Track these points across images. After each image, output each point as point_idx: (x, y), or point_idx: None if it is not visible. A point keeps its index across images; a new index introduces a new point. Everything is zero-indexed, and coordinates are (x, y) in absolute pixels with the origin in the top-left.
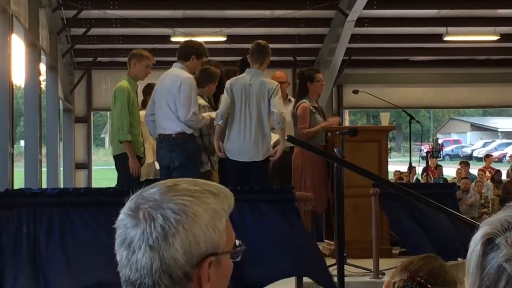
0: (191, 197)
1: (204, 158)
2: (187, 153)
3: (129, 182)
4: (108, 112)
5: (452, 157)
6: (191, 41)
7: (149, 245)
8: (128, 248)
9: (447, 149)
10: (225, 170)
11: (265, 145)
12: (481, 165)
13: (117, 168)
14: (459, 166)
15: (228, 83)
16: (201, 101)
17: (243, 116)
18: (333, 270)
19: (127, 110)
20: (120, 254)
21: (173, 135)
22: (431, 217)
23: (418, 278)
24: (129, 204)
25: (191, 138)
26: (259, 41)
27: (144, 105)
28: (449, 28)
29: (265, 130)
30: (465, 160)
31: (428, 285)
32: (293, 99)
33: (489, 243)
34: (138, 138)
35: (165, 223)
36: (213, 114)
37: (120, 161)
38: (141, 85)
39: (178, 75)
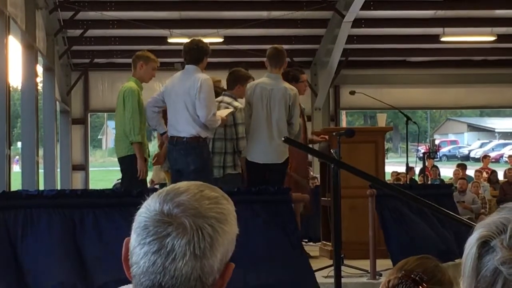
0: (222, 204)
1: (230, 162)
2: (202, 158)
3: (135, 183)
4: (106, 114)
5: (449, 157)
6: (194, 43)
7: (195, 255)
8: (166, 256)
9: (444, 150)
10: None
11: (284, 148)
12: (478, 165)
13: (122, 170)
14: (456, 168)
15: (247, 88)
16: (237, 104)
17: (263, 119)
18: (330, 271)
19: (138, 112)
20: (151, 260)
21: (187, 139)
22: (422, 220)
23: (412, 276)
24: (157, 209)
25: (205, 142)
26: (276, 46)
27: None
28: (446, 29)
29: (284, 133)
30: (462, 163)
31: (424, 283)
32: None
33: (484, 246)
34: (145, 140)
35: (213, 233)
36: (223, 113)
37: (127, 163)
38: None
39: (196, 76)
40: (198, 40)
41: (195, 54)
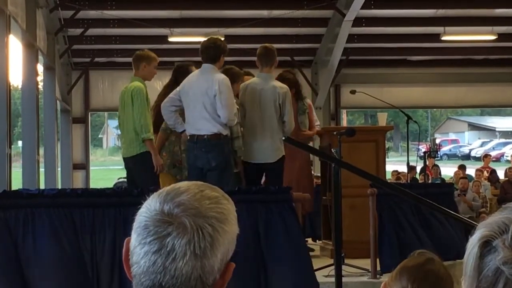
0: (222, 204)
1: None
2: (223, 154)
3: (154, 179)
4: (106, 113)
5: (450, 156)
6: (212, 41)
7: (195, 254)
8: (166, 255)
9: (445, 149)
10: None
11: (278, 147)
12: (479, 164)
13: (136, 168)
14: (457, 169)
15: (240, 89)
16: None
17: (255, 119)
18: (331, 271)
19: (147, 110)
20: (151, 259)
21: (207, 136)
22: (422, 220)
23: None
24: (157, 209)
25: (226, 139)
26: (266, 44)
27: None
28: (447, 28)
29: (276, 132)
30: (462, 164)
31: None
32: None
33: (486, 246)
34: (153, 137)
35: (213, 232)
36: None
37: (142, 160)
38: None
39: (214, 76)
40: (216, 38)
41: (212, 53)
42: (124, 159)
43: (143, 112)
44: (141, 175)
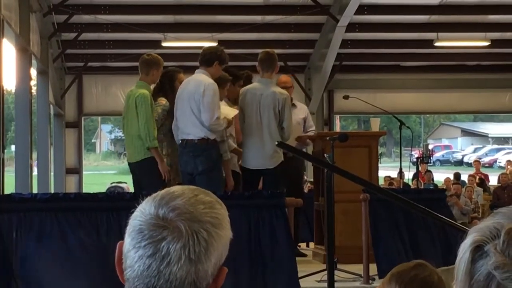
0: (217, 209)
1: None
2: (211, 159)
3: (157, 185)
4: (100, 117)
5: (443, 162)
6: (213, 47)
7: (190, 259)
8: (161, 259)
9: (437, 155)
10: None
11: (276, 153)
12: (472, 170)
13: (139, 173)
14: (447, 176)
15: (240, 94)
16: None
17: (254, 125)
18: (324, 276)
19: (152, 117)
20: (146, 263)
21: (196, 141)
22: (415, 226)
23: None
24: (152, 213)
25: (214, 144)
26: (268, 50)
27: None
28: (440, 34)
29: (275, 138)
30: (457, 172)
31: None
32: (297, 103)
33: (478, 250)
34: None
35: (208, 237)
36: (230, 115)
37: (146, 166)
38: None
39: (201, 80)
40: (217, 46)
41: (206, 56)
42: (129, 164)
43: (148, 120)
44: (147, 181)
